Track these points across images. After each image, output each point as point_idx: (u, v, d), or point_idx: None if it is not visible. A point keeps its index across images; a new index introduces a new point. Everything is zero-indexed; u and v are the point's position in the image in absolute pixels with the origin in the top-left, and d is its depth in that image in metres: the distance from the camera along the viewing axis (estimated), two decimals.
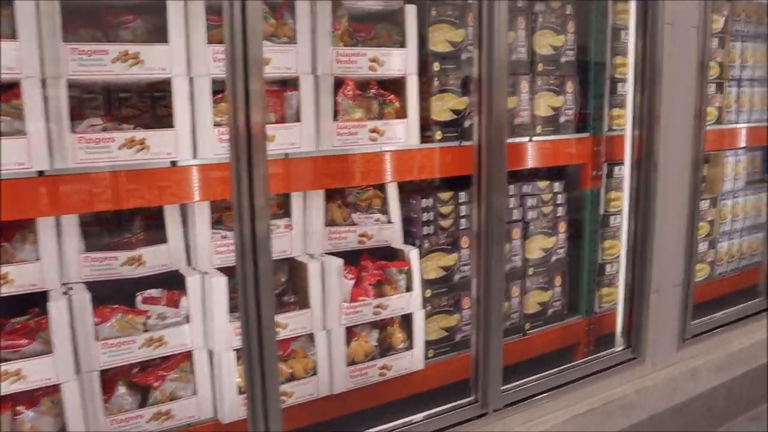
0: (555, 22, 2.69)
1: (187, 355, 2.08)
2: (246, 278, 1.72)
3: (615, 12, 2.78)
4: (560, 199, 2.81)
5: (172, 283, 2.07)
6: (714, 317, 3.18)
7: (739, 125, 3.56)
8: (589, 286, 2.91)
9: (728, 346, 3.17)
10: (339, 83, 2.20)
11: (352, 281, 2.27)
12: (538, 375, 2.50)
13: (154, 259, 2.05)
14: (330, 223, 2.32)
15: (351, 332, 2.32)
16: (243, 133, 1.66)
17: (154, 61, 1.89)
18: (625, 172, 2.73)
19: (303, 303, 2.25)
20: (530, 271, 2.75)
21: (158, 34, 1.97)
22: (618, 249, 2.87)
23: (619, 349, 2.77)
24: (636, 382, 2.75)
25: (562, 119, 2.73)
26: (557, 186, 2.79)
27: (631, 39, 2.63)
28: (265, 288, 1.75)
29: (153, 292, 2.08)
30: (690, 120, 2.80)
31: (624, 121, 2.74)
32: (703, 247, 3.50)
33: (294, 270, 2.32)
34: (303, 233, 2.26)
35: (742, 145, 3.65)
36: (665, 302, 2.84)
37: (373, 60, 2.21)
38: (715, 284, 3.56)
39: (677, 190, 2.81)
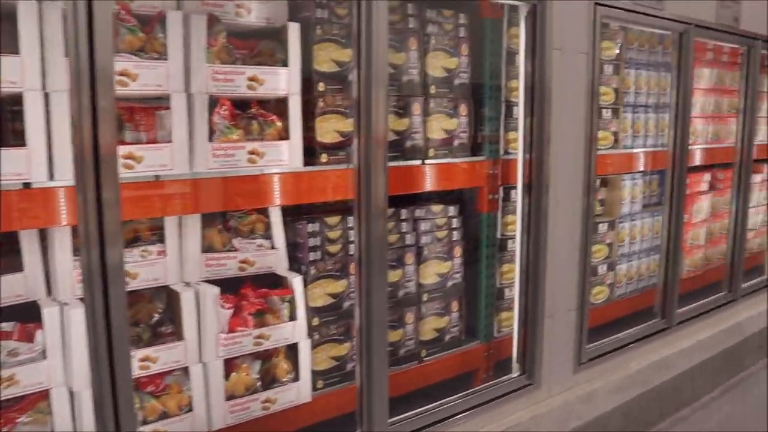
0: (448, 45, 2.67)
1: (45, 394, 1.90)
2: (95, 310, 1.58)
3: (509, 36, 2.79)
4: (455, 223, 2.77)
5: (31, 315, 1.90)
6: (611, 339, 3.19)
7: (635, 150, 3.65)
8: (487, 310, 2.88)
9: (625, 367, 3.19)
10: (217, 102, 2.10)
11: (230, 311, 2.14)
12: (430, 405, 2.42)
13: (9, 288, 1.88)
14: (209, 249, 2.20)
15: (231, 364, 2.18)
16: (89, 153, 1.53)
17: (3, 74, 1.74)
18: (517, 195, 2.72)
19: (181, 334, 2.11)
20: (425, 296, 2.69)
21: (12, 44, 1.82)
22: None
23: (515, 375, 2.73)
24: (532, 409, 2.71)
25: (457, 142, 2.70)
26: (452, 210, 2.76)
27: (521, 63, 2.64)
28: (117, 321, 1.61)
29: (4, 326, 1.90)
30: (581, 144, 2.82)
31: None
32: (602, 269, 3.54)
33: (171, 299, 2.18)
34: (178, 260, 2.12)
35: (639, 168, 3.74)
36: (560, 327, 2.83)
37: (253, 79, 2.12)
38: (615, 306, 3.61)
39: (570, 214, 2.82)
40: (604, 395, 3.02)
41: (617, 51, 3.50)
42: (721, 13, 3.74)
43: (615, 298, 3.64)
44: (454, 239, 2.77)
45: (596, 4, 2.80)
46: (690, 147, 3.90)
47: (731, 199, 4.29)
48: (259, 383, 2.24)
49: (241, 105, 2.19)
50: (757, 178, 4.82)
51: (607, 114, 3.46)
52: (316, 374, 2.38)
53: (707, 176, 4.46)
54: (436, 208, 2.71)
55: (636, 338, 3.29)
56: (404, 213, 2.61)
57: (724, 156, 4.34)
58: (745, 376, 4.09)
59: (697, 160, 4.18)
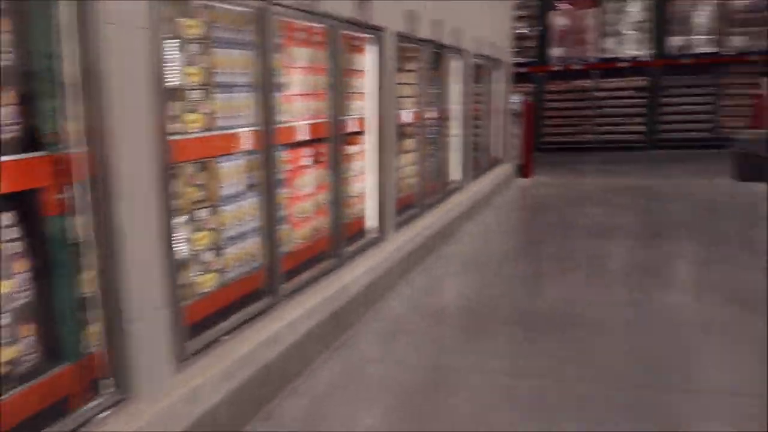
0: None
1: None
2: None
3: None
4: (13, 233, 2.36)
5: None
6: (218, 328, 3.13)
7: (232, 130, 3.60)
8: (72, 326, 2.53)
9: (234, 353, 3.16)
10: None
11: None
12: None
13: None
14: None
15: None
16: None
17: None
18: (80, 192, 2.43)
19: None
20: None
21: None
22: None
23: (109, 390, 2.48)
24: (131, 425, 2.49)
25: (3, 137, 2.28)
26: (5, 219, 2.34)
27: (68, 41, 2.32)
28: None
29: None
30: (150, 130, 2.62)
31: None
32: (208, 256, 3.45)
33: None
34: None
35: (239, 149, 3.71)
36: (151, 328, 2.64)
37: None
38: (228, 290, 3.56)
39: (146, 207, 2.62)
40: (213, 386, 2.94)
41: (204, 29, 3.39)
42: None
43: (228, 282, 3.59)
44: (16, 252, 2.36)
45: None
46: (291, 124, 4.04)
47: (330, 170, 4.58)
48: None
49: None
50: (356, 148, 5.28)
51: (196, 95, 3.34)
52: None
53: (310, 150, 4.69)
54: None
55: (245, 320, 3.29)
56: None
57: (326, 131, 4.62)
58: (353, 333, 4.47)
59: (300, 135, 4.35)
